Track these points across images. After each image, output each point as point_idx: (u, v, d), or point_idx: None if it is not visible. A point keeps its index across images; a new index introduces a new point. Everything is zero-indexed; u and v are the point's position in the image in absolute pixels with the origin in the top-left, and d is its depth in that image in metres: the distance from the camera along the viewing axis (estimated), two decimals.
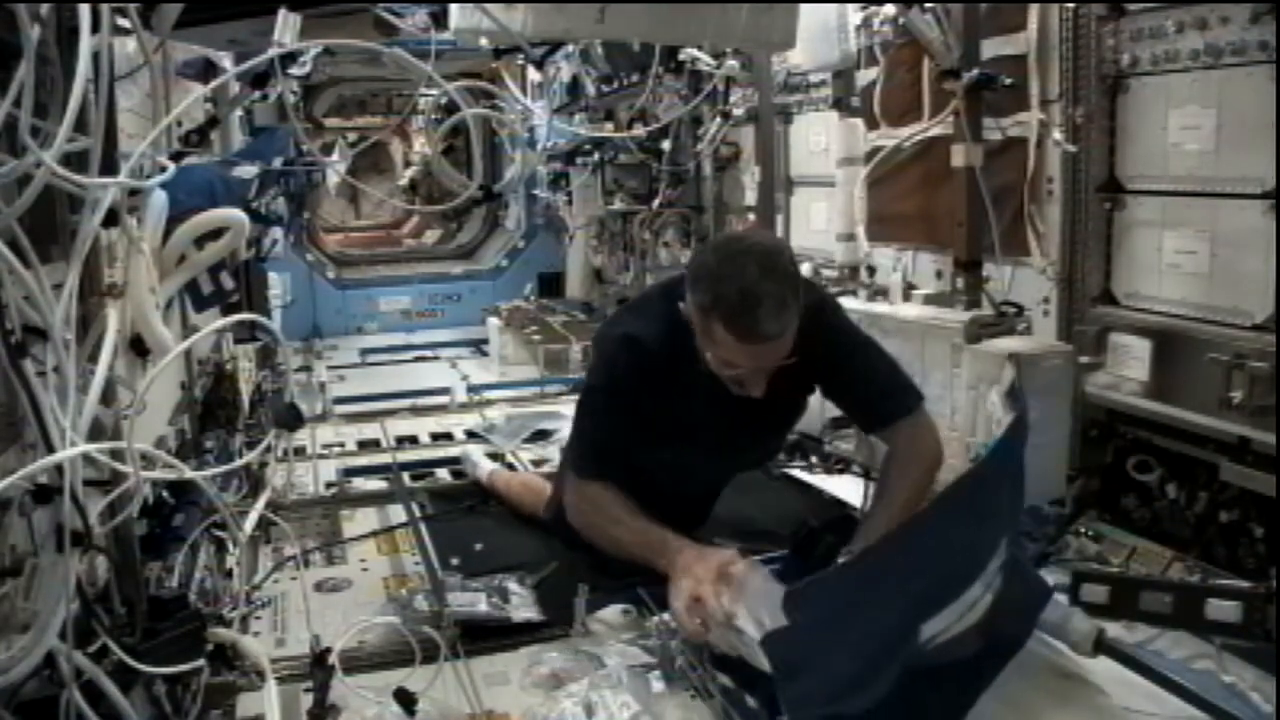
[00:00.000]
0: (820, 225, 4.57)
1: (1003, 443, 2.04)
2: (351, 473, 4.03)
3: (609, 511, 2.45)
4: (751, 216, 5.02)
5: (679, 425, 2.49)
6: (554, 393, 5.37)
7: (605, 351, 2.54)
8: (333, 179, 7.21)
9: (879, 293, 3.71)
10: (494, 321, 6.43)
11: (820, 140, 4.54)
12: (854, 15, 3.90)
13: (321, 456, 4.25)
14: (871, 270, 3.90)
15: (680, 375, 2.38)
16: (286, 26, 2.33)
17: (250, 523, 2.92)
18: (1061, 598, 2.24)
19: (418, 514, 3.40)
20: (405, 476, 3.90)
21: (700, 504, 2.90)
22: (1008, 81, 3.08)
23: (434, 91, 4.63)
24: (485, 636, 2.44)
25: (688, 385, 2.38)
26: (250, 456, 2.38)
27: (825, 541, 2.35)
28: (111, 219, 1.67)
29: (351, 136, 9.04)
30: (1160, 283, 2.82)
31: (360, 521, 3.38)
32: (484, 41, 2.87)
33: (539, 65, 5.17)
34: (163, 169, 1.84)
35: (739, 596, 2.04)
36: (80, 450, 1.48)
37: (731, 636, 2.05)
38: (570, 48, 5.27)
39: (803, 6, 3.17)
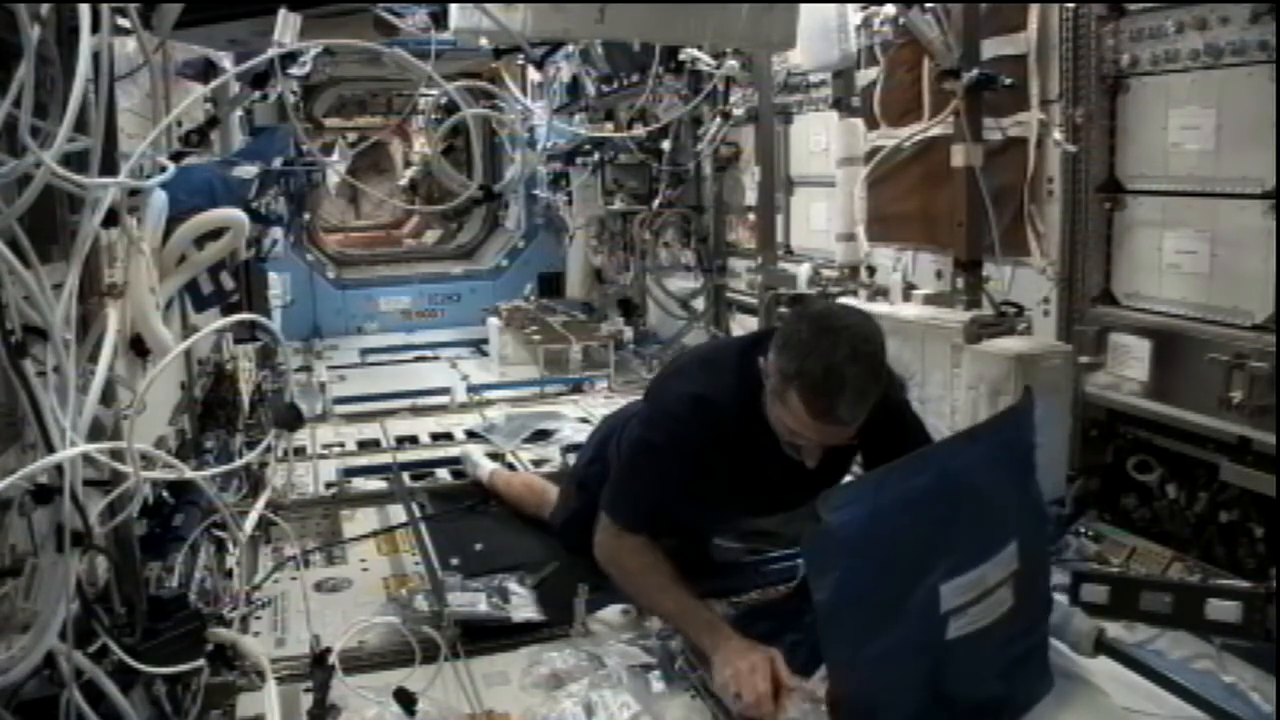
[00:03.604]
0: (820, 225, 4.57)
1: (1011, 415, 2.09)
2: (351, 473, 4.03)
3: (654, 576, 2.36)
4: (752, 217, 5.03)
5: (735, 484, 2.45)
6: (554, 393, 5.38)
7: (671, 410, 2.43)
8: (333, 179, 7.20)
9: (879, 293, 3.71)
10: (494, 321, 6.43)
11: (820, 140, 4.53)
12: (854, 15, 3.90)
13: (321, 456, 4.25)
14: (871, 270, 3.89)
15: (748, 436, 2.33)
16: (286, 26, 2.33)
17: (250, 523, 2.92)
18: (1061, 598, 2.24)
19: (418, 514, 3.40)
20: (405, 476, 3.90)
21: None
22: (1008, 81, 3.08)
23: (434, 91, 4.64)
24: (485, 636, 2.44)
25: (754, 446, 2.33)
26: (250, 456, 2.38)
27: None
28: (111, 219, 1.67)
29: (351, 136, 9.03)
30: (1160, 283, 2.82)
31: (360, 521, 3.39)
32: (484, 41, 2.87)
33: (539, 65, 5.16)
34: (163, 169, 1.85)
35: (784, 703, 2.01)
36: (80, 450, 1.48)
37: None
38: (570, 48, 5.27)
39: (803, 6, 3.18)
